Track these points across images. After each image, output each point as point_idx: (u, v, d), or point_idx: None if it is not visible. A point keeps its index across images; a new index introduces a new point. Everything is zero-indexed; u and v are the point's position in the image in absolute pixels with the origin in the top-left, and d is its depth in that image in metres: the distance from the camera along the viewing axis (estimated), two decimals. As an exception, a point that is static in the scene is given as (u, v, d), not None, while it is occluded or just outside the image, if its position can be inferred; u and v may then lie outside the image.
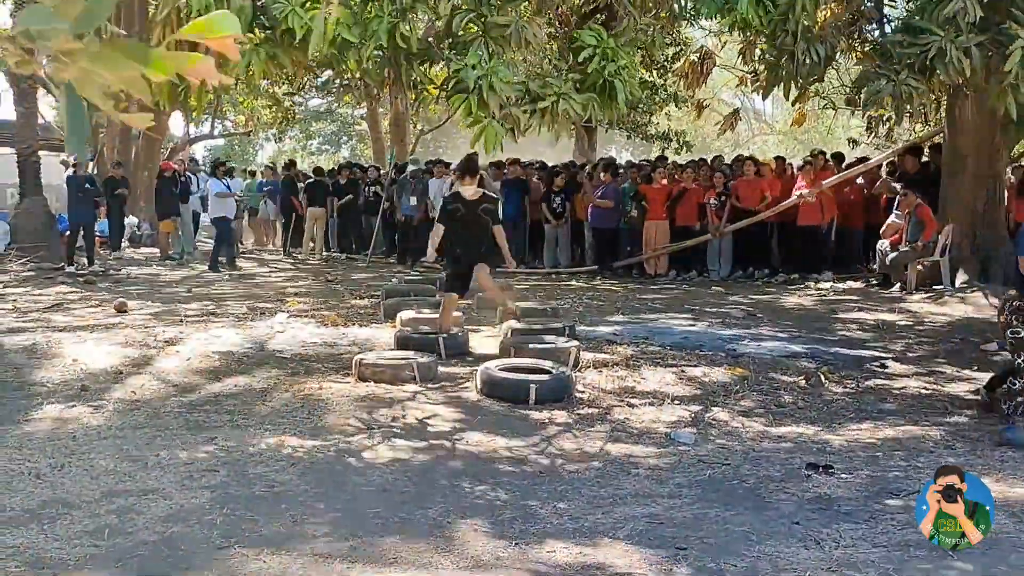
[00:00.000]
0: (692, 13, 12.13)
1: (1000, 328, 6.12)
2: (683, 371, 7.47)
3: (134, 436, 5.61)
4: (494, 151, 7.91)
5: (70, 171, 15.25)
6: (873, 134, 17.14)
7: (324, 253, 18.40)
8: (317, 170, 20.16)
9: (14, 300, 10.97)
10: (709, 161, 16.30)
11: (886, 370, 7.72)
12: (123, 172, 17.81)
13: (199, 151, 34.02)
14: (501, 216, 8.20)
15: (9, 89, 17.14)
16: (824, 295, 11.98)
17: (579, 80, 7.89)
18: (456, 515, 4.39)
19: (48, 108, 22.11)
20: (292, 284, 13.49)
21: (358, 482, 4.86)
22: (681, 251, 14.32)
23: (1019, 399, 5.71)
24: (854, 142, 20.79)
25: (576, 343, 7.75)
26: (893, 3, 12.77)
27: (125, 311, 10.11)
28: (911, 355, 8.32)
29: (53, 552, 3.86)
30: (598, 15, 13.00)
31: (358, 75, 9.23)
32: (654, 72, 19.47)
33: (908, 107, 8.77)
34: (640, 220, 14.59)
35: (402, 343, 7.97)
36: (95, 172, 21.98)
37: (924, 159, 13.37)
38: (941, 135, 12.88)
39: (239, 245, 18.70)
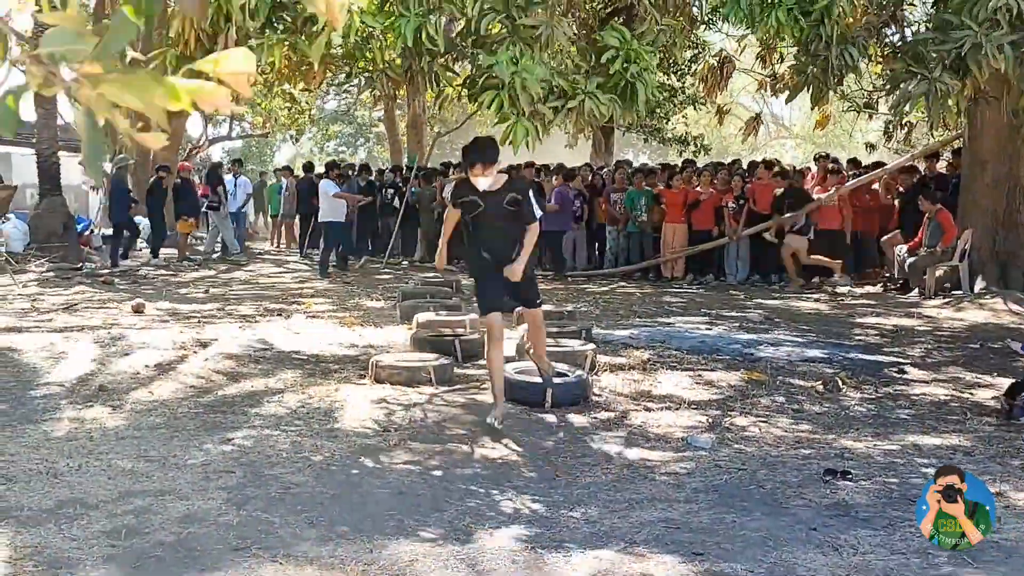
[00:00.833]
0: (715, 18, 12.13)
1: None
2: (700, 375, 7.44)
3: (151, 436, 5.63)
4: (515, 155, 7.88)
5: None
6: (890, 139, 17.10)
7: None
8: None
9: (33, 300, 11.03)
10: (727, 165, 16.32)
11: (904, 376, 7.67)
12: (166, 174, 18.00)
13: (216, 152, 34.21)
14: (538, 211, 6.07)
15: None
16: (842, 300, 11.93)
17: (602, 82, 7.87)
18: (472, 518, 4.38)
19: (68, 109, 22.25)
20: (309, 286, 13.52)
21: (374, 484, 4.86)
22: (698, 255, 14.30)
23: None
24: (871, 147, 20.72)
25: (592, 346, 7.73)
26: (914, 4, 12.73)
27: (143, 312, 10.16)
28: (929, 361, 8.27)
29: (70, 552, 3.87)
30: (618, 16, 12.99)
31: (379, 69, 9.19)
32: (672, 75, 19.43)
33: (941, 108, 8.65)
34: (651, 224, 14.58)
35: (418, 345, 7.97)
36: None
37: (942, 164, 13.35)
38: (961, 140, 12.83)
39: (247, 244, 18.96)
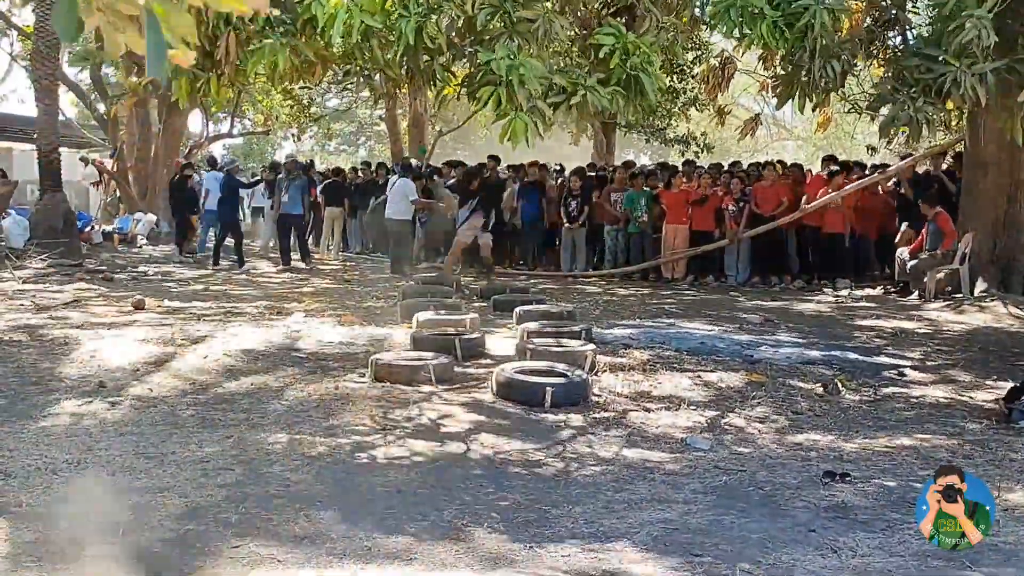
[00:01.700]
0: (712, 22, 12.14)
1: None
2: (699, 376, 7.44)
3: (150, 433, 5.63)
4: (514, 150, 7.89)
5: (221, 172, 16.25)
6: (890, 142, 17.09)
7: (341, 254, 18.42)
8: (336, 170, 20.23)
9: (33, 296, 11.03)
10: (727, 166, 16.30)
11: (904, 378, 7.67)
12: (191, 172, 17.94)
13: (218, 149, 34.15)
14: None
15: (31, 86, 17.26)
16: (842, 302, 11.93)
17: (603, 78, 7.86)
18: (470, 517, 4.38)
19: (69, 105, 22.25)
20: (309, 284, 13.52)
21: (373, 482, 4.86)
22: (699, 256, 14.29)
23: None
24: (873, 149, 20.70)
25: (592, 346, 7.73)
26: (916, 10, 12.72)
27: (143, 308, 10.15)
28: (929, 363, 8.27)
29: (69, 548, 3.86)
30: (619, 17, 12.99)
31: (380, 68, 9.18)
32: (674, 77, 19.41)
33: (922, 133, 8.82)
34: (651, 225, 14.57)
35: (419, 344, 7.97)
36: (115, 168, 22.21)
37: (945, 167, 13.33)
38: (962, 143, 12.82)
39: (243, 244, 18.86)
